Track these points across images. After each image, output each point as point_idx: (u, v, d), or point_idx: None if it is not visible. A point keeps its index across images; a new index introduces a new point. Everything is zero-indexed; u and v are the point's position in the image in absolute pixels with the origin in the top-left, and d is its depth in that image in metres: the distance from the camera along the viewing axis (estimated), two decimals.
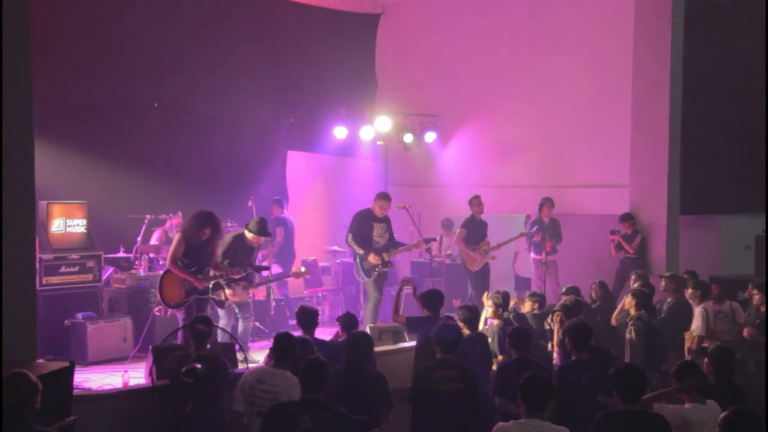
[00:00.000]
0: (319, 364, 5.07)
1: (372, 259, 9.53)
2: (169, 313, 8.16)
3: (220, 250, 8.35)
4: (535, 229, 11.39)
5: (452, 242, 12.20)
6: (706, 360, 5.93)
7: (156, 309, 8.68)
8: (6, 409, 4.35)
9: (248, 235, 8.72)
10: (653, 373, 7.25)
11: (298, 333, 6.61)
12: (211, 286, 8.02)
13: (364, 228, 9.64)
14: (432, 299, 7.35)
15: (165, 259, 9.79)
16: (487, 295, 8.36)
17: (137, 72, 10.90)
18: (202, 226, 7.77)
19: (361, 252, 9.55)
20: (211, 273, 7.97)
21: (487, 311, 8.00)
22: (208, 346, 6.38)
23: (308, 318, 6.90)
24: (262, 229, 8.74)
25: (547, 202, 11.49)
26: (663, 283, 9.21)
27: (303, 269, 9.58)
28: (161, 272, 9.09)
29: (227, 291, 8.40)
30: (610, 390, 5.03)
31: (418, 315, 7.60)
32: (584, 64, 12.11)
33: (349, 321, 7.24)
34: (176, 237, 7.96)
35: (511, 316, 8.10)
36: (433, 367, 6.04)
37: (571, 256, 11.55)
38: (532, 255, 11.66)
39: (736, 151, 12.25)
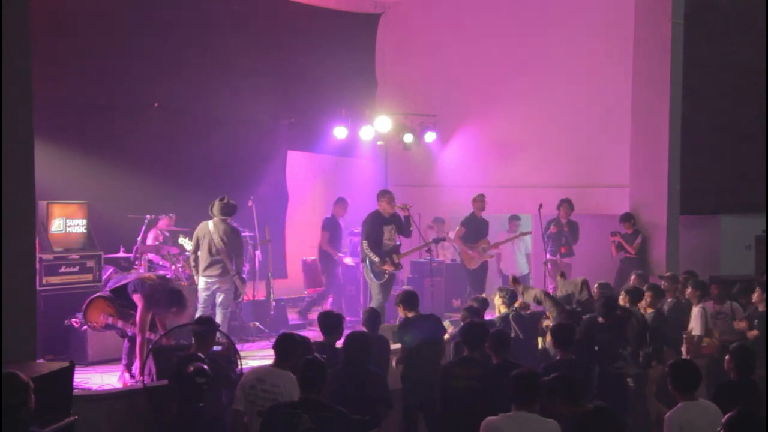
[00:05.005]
0: (316, 364, 5.07)
1: (386, 267, 9.47)
2: (84, 327, 7.93)
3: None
4: (550, 230, 11.29)
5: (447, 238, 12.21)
6: (727, 357, 5.95)
7: (73, 320, 8.42)
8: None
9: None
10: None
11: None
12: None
13: (377, 233, 9.55)
14: (412, 300, 7.40)
15: (165, 259, 9.82)
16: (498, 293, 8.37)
17: (137, 72, 10.90)
18: (171, 305, 7.37)
19: (377, 260, 9.44)
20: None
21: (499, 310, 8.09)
22: (217, 348, 6.38)
23: (332, 323, 6.74)
24: None
25: (564, 203, 11.27)
26: (663, 284, 9.22)
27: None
28: (160, 273, 9.10)
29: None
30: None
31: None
32: (584, 63, 12.11)
33: (371, 317, 7.26)
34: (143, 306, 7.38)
35: (511, 315, 8.09)
36: (453, 364, 6.03)
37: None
38: (548, 256, 11.39)
39: (736, 151, 12.26)
